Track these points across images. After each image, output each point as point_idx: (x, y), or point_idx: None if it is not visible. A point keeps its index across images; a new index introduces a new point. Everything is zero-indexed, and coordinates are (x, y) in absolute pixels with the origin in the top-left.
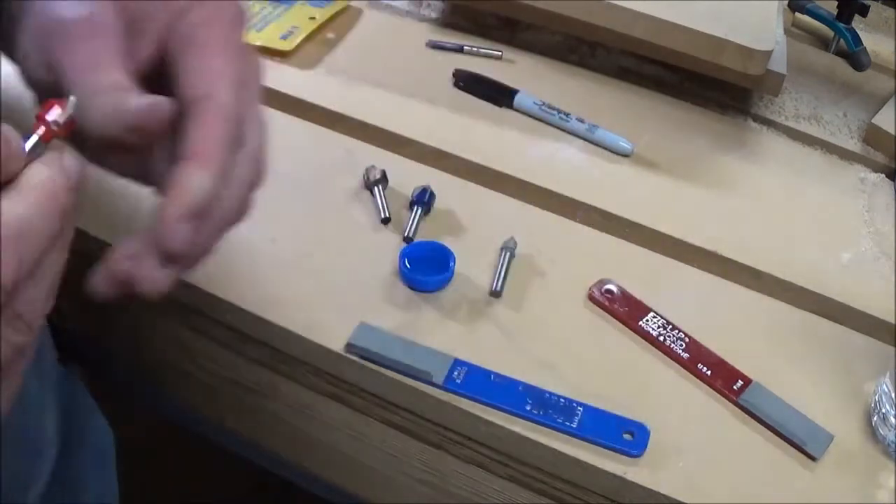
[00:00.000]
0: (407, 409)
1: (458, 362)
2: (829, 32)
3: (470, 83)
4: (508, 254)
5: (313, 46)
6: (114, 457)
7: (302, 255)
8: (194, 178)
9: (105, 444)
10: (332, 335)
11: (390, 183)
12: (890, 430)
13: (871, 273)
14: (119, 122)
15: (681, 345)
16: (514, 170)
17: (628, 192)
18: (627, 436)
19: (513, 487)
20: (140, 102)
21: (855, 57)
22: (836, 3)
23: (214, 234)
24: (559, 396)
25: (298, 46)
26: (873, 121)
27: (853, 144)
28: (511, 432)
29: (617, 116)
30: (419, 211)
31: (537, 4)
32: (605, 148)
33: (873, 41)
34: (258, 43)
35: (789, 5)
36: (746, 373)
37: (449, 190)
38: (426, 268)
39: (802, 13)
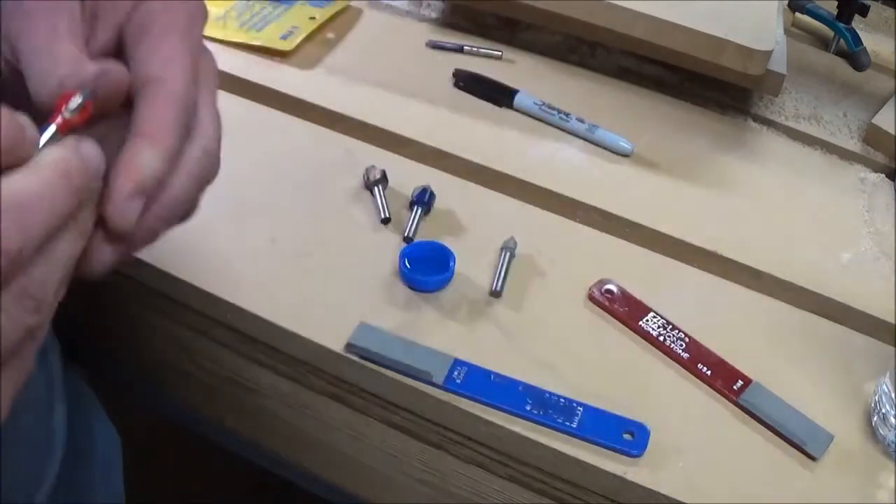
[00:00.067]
0: (407, 409)
1: (458, 362)
2: (829, 32)
3: (470, 83)
4: (508, 254)
5: (313, 46)
6: (121, 464)
7: (302, 255)
8: (143, 156)
9: (112, 453)
10: (332, 335)
11: (390, 183)
12: (890, 430)
13: (871, 273)
14: (76, 87)
15: (681, 345)
16: (514, 170)
17: (628, 192)
18: (627, 436)
19: (513, 487)
20: (95, 67)
21: (855, 57)
22: (836, 3)
23: (160, 221)
24: (559, 396)
25: (298, 46)
26: (873, 121)
27: (853, 144)
28: (511, 432)
29: (617, 116)
30: (419, 211)
31: (537, 4)
32: (605, 148)
33: (873, 41)
34: (258, 43)
35: (789, 5)
36: (746, 373)
37: (449, 190)
38: (426, 268)
39: (802, 13)
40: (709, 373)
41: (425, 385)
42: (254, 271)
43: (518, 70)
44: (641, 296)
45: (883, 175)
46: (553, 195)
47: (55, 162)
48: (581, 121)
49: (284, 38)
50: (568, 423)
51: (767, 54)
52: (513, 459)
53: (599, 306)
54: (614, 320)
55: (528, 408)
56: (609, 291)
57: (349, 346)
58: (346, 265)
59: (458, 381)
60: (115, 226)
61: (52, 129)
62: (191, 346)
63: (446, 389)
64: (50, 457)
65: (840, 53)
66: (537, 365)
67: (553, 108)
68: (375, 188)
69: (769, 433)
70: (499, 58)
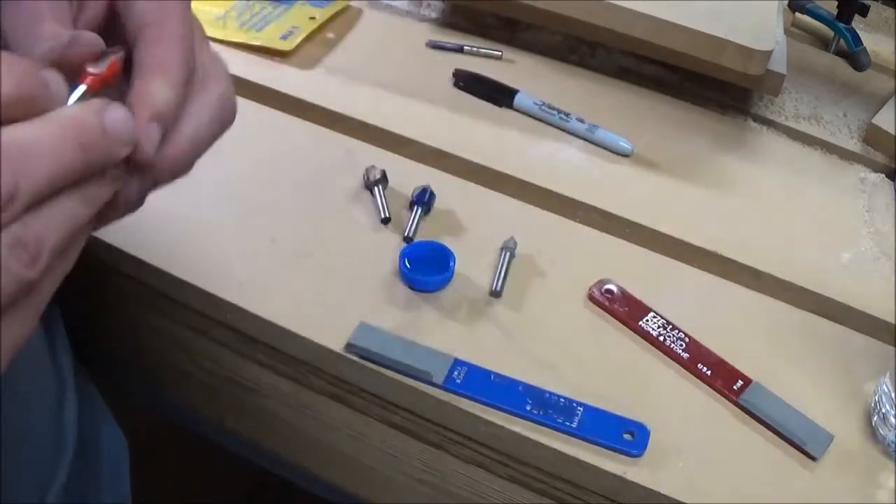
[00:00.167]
0: (407, 409)
1: (458, 362)
2: (829, 32)
3: (470, 83)
4: (508, 254)
5: (313, 46)
6: (128, 466)
7: (302, 255)
8: (153, 86)
9: (120, 455)
10: (332, 335)
11: (390, 183)
12: (890, 430)
13: (871, 273)
14: (55, 60)
15: (681, 345)
16: (514, 170)
17: (628, 192)
18: (627, 436)
19: (513, 487)
20: (68, 34)
21: (855, 57)
22: (836, 3)
23: (183, 154)
24: (559, 396)
25: (298, 46)
26: (873, 121)
27: (853, 144)
28: (511, 432)
29: (617, 116)
30: (419, 211)
31: (537, 4)
32: (605, 148)
33: (873, 41)
34: (258, 43)
35: (789, 5)
36: (746, 373)
37: (449, 190)
38: (426, 268)
39: (802, 13)
40: (709, 373)
41: (425, 385)
42: (254, 271)
43: (518, 70)
44: (641, 296)
45: (883, 175)
46: (553, 195)
47: (67, 117)
48: (581, 121)
49: (284, 38)
50: (568, 423)
51: (767, 54)
52: (513, 459)
53: (599, 306)
54: (614, 320)
55: (528, 408)
56: (609, 291)
57: (349, 346)
58: (346, 265)
59: (458, 381)
60: (141, 151)
61: (81, 88)
62: (191, 346)
63: (446, 389)
64: (61, 456)
65: (840, 53)
66: (537, 365)
67: (553, 108)
68: (375, 188)
69: (769, 433)
70: (499, 58)
